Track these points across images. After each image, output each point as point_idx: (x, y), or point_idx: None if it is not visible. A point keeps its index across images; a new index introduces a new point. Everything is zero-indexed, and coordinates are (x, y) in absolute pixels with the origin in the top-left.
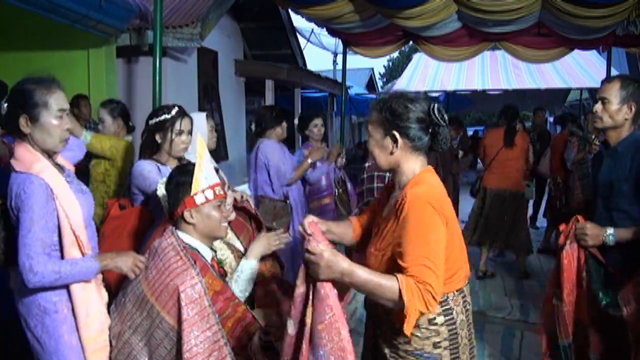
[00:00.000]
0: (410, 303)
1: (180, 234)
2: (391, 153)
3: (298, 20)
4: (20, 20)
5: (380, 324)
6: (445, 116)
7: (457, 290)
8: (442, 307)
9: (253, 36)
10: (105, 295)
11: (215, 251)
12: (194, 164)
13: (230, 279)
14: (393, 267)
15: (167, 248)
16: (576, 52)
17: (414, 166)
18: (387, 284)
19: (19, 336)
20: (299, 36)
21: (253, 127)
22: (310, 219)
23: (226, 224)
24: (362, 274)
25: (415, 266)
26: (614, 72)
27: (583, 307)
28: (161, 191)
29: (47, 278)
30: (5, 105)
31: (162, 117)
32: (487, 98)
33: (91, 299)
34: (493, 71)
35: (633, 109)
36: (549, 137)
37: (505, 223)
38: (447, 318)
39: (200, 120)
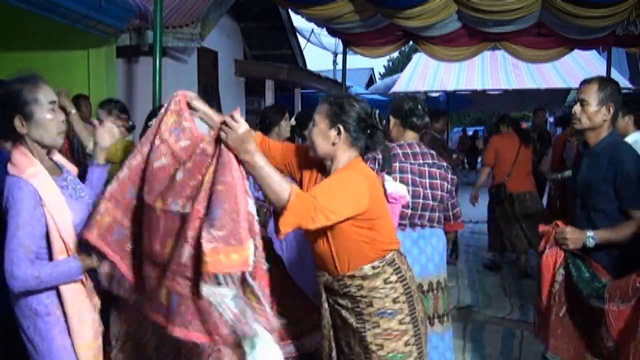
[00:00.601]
0: (293, 203)
1: None
2: (333, 144)
3: (298, 20)
4: (20, 20)
5: (339, 299)
6: (384, 122)
7: (398, 252)
8: (392, 267)
9: (253, 36)
10: (97, 303)
11: None
12: None
13: None
14: (324, 235)
15: None
16: (576, 52)
17: (349, 156)
18: (282, 180)
19: (19, 336)
20: (299, 36)
21: (258, 126)
22: (182, 92)
23: None
24: (264, 161)
25: (319, 190)
26: (614, 72)
27: (558, 305)
28: None
29: (29, 283)
30: None
31: None
32: (487, 98)
33: (83, 304)
34: (493, 71)
35: (611, 110)
36: (549, 137)
37: (528, 224)
38: (399, 275)
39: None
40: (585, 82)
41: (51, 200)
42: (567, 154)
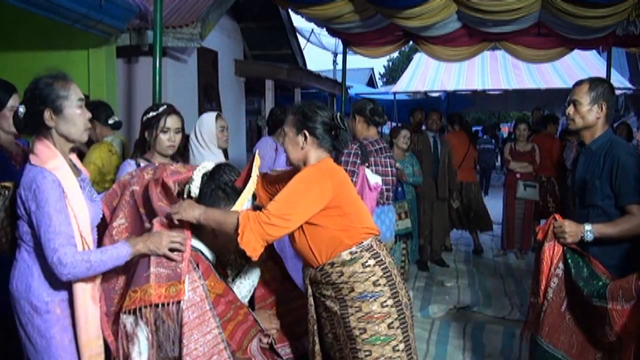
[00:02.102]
0: (242, 222)
1: None
2: (302, 148)
3: (298, 20)
4: (20, 20)
5: (324, 290)
6: (346, 123)
7: (376, 238)
8: (369, 252)
9: (253, 36)
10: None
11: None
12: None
13: (231, 281)
14: (301, 230)
15: None
16: (576, 52)
17: (317, 157)
18: (228, 213)
19: (16, 333)
20: (299, 36)
21: (266, 126)
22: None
23: None
24: (207, 212)
25: (272, 201)
26: (613, 72)
27: (557, 300)
28: (196, 183)
29: (79, 268)
30: (23, 108)
31: (150, 114)
32: (487, 98)
33: (89, 303)
34: (493, 71)
35: (604, 108)
36: None
37: (475, 208)
38: (377, 260)
39: (209, 121)
40: (577, 84)
41: (73, 193)
42: (567, 154)
